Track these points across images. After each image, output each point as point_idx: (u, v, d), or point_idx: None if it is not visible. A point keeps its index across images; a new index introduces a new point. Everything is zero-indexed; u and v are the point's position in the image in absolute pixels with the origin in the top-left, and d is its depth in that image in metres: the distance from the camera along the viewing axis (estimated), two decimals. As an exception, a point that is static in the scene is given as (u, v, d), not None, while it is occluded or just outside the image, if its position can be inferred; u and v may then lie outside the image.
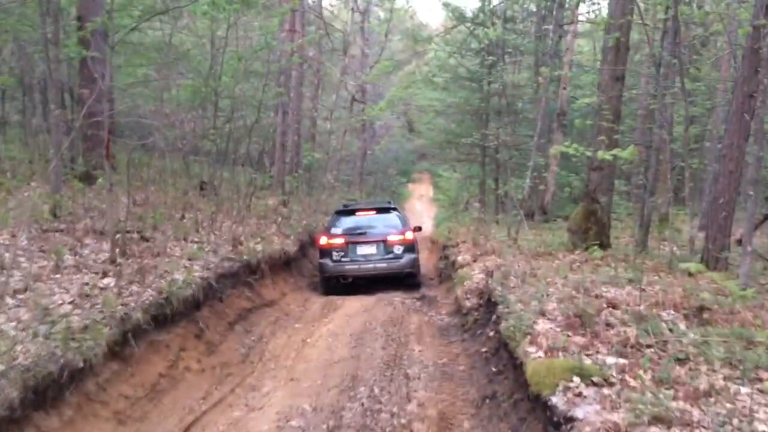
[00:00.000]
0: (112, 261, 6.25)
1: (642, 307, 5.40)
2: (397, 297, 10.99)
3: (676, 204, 18.54)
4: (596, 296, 5.99)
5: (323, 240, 11.29)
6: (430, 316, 8.74)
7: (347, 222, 11.49)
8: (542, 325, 4.96)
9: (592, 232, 10.09)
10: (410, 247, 11.40)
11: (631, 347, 4.27)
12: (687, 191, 9.64)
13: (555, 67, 16.20)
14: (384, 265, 11.21)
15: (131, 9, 13.44)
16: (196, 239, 8.86)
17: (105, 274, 6.03)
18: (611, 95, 9.75)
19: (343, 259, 11.09)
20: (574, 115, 24.65)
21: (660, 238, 13.65)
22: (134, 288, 5.92)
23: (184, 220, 9.80)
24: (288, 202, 16.70)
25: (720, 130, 16.81)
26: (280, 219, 13.38)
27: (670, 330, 4.73)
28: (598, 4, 26.79)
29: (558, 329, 4.83)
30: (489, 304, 6.91)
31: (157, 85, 15.08)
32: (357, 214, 11.74)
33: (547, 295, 6.05)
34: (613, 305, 5.49)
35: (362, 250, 11.22)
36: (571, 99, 22.45)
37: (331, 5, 37.04)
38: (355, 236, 11.22)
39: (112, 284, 5.83)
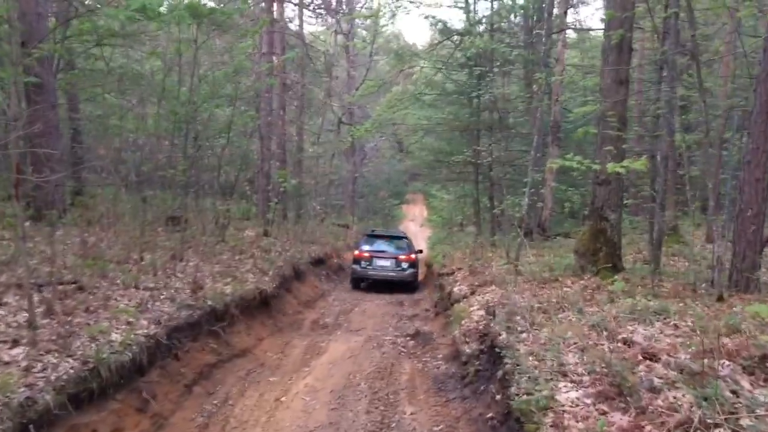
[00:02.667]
0: (30, 324, 5.09)
1: (687, 357, 4.27)
2: (388, 336, 9.86)
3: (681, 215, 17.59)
4: (624, 341, 4.86)
5: (356, 252, 16.06)
6: (424, 362, 7.56)
7: (372, 242, 16.21)
8: (566, 393, 3.83)
9: (602, 253, 8.99)
10: (413, 264, 15.74)
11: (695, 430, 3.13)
12: (712, 203, 8.50)
13: (548, 75, 15.16)
14: (394, 274, 15.53)
15: (85, 34, 12.41)
16: (150, 285, 7.68)
17: (16, 343, 4.86)
18: (615, 100, 8.71)
19: (368, 267, 15.61)
20: (568, 128, 23.78)
21: (670, 253, 12.58)
22: (51, 359, 4.74)
23: (143, 262, 8.63)
24: (269, 233, 15.57)
25: (727, 134, 15.90)
26: (258, 252, 12.23)
27: (734, 392, 3.60)
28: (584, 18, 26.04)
29: (588, 400, 3.69)
30: (492, 351, 5.75)
31: (126, 113, 14.07)
32: (379, 238, 16.55)
33: (564, 342, 4.91)
34: (650, 355, 4.35)
35: (381, 262, 15.59)
36: (564, 111, 21.60)
37: (312, 33, 36.20)
38: (377, 252, 15.67)
39: (21, 356, 4.66)
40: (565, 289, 8.46)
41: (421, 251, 17.28)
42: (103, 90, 12.55)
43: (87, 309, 6.08)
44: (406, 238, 16.98)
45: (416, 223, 40.13)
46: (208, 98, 12.68)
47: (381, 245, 16.00)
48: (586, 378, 4.03)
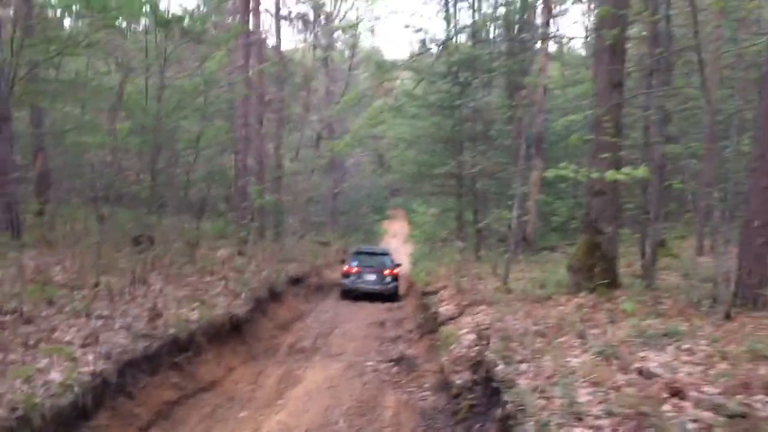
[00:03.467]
0: (-50, 364, 4.35)
1: (718, 392, 3.64)
2: (369, 362, 9.15)
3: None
4: (639, 371, 4.22)
5: (345, 268, 17.55)
6: (409, 392, 6.85)
7: (359, 258, 17.76)
8: (586, 444, 3.17)
9: (598, 269, 8.39)
10: (395, 278, 17.57)
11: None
12: (719, 215, 7.98)
13: (534, 82, 14.70)
14: (378, 286, 17.17)
15: (47, 42, 11.65)
16: (105, 313, 6.92)
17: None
18: (610, 105, 8.16)
19: (356, 281, 17.23)
20: (552, 139, 23.38)
21: (660, 267, 12.05)
22: (-32, 408, 4.00)
23: (99, 287, 7.86)
24: (244, 252, 14.81)
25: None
26: (231, 273, 11.48)
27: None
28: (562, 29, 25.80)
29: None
30: (488, 384, 5.09)
31: (91, 127, 13.31)
32: (365, 254, 18.27)
33: (572, 374, 4.26)
34: (675, 390, 3.71)
35: (367, 276, 17.23)
36: (547, 122, 21.20)
37: (289, 50, 35.59)
38: (364, 267, 17.30)
39: (-69, 406, 3.91)
40: (559, 308, 7.85)
41: (399, 264, 19.07)
42: (64, 103, 11.76)
43: (25, 343, 5.32)
44: (388, 254, 19.25)
45: (398, 239, 39.45)
46: (177, 110, 12.01)
47: (367, 261, 17.76)
48: (605, 422, 3.38)
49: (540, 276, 11.35)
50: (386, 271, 17.28)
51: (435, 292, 10.88)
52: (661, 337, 5.34)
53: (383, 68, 23.06)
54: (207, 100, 12.44)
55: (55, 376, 4.83)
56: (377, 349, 10.33)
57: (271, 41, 29.96)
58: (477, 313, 7.61)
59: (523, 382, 4.26)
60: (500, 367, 4.88)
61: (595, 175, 7.10)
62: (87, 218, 13.09)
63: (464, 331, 6.85)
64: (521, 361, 4.82)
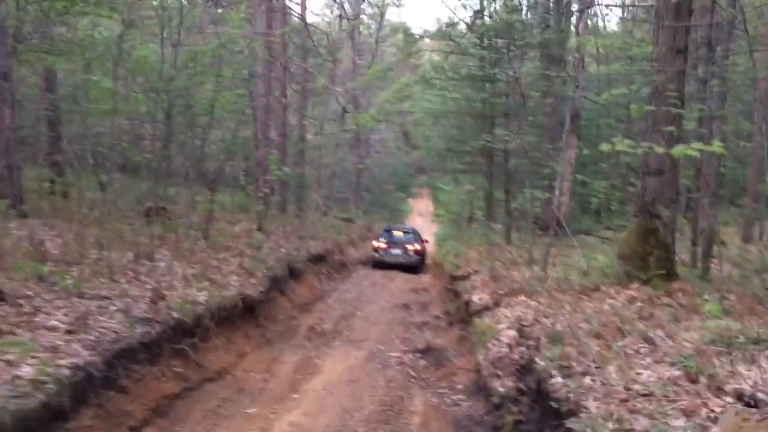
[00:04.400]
0: None
1: None
2: (394, 351, 8.39)
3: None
4: (740, 396, 3.35)
5: (375, 243, 19.91)
6: (440, 394, 6.03)
7: (388, 235, 20.10)
8: None
9: (653, 257, 7.46)
10: (420, 252, 19.94)
11: None
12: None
13: (580, 48, 13.59)
14: (404, 260, 19.30)
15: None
16: (102, 292, 6.20)
17: None
18: (671, 73, 7.16)
19: (384, 254, 19.42)
20: (586, 116, 22.18)
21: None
22: None
23: (98, 263, 7.16)
24: (264, 228, 14.09)
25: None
26: (247, 250, 10.75)
27: None
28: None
29: None
30: (539, 397, 4.25)
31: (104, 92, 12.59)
32: (393, 232, 20.50)
33: (651, 396, 3.40)
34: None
35: (394, 250, 19.46)
36: (584, 99, 20.05)
37: (315, 24, 34.43)
38: (391, 243, 19.58)
39: None
40: (610, 301, 6.96)
41: (427, 241, 21.79)
42: (71, 62, 10.99)
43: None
44: (414, 231, 21.45)
45: (424, 218, 38.56)
46: (191, 74, 11.19)
47: (394, 237, 20.07)
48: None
49: (579, 262, 10.44)
50: (410, 246, 19.75)
51: (466, 277, 10.02)
52: (746, 344, 4.44)
53: (411, 39, 22.00)
54: (224, 65, 11.57)
55: (27, 371, 4.10)
56: (402, 337, 9.57)
57: (296, 9, 29.01)
58: (516, 305, 6.74)
59: (592, 405, 3.41)
60: (557, 379, 4.04)
61: (660, 149, 6.15)
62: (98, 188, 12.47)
63: (503, 326, 5.98)
64: (584, 374, 3.97)
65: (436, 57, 20.44)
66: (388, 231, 20.65)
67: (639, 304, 6.78)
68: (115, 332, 5.36)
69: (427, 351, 8.27)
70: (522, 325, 5.64)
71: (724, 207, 19.00)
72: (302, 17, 22.95)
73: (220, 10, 16.92)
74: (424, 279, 18.07)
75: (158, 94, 11.13)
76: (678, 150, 5.85)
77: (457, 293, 9.74)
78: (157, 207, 10.71)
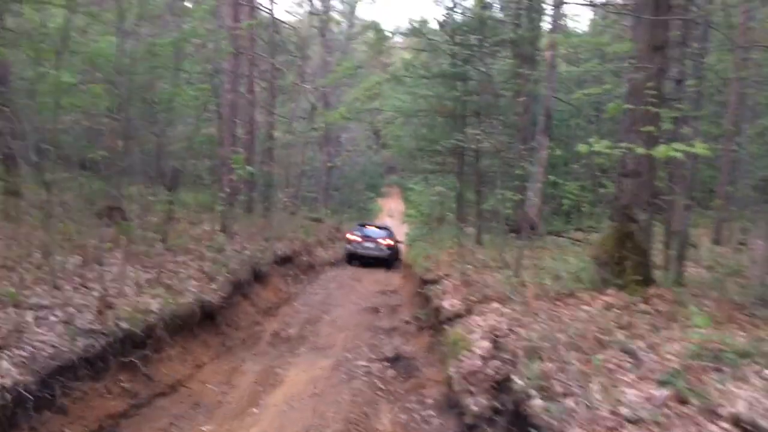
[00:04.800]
0: None
1: None
2: (361, 360, 8.01)
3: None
4: (737, 421, 3.06)
5: (349, 236, 21.16)
6: (408, 410, 5.67)
7: (362, 230, 21.27)
8: None
9: (629, 263, 7.21)
10: (392, 247, 20.87)
11: None
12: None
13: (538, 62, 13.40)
14: (376, 252, 20.36)
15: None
16: (42, 302, 5.69)
17: None
18: (650, 71, 6.91)
19: (357, 247, 20.51)
20: (558, 115, 22.07)
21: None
22: None
23: (42, 269, 6.62)
24: (228, 228, 13.57)
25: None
26: (209, 253, 10.25)
27: None
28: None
29: None
30: (516, 419, 3.91)
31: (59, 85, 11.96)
32: (367, 227, 21.78)
33: (642, 422, 3.09)
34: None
35: (367, 244, 20.52)
36: (555, 99, 19.96)
37: (288, 17, 33.69)
38: (365, 237, 20.64)
39: None
40: (586, 308, 6.69)
41: (401, 242, 22.55)
42: (18, 54, 10.32)
43: None
44: (387, 228, 22.59)
45: (394, 219, 38.28)
46: (152, 68, 10.65)
47: (368, 232, 21.26)
48: None
49: (552, 266, 10.21)
50: (382, 241, 20.77)
51: (436, 281, 9.68)
52: (734, 359, 4.17)
53: (381, 37, 21.65)
54: (186, 59, 11.05)
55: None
56: (370, 343, 9.21)
57: (265, 3, 28.39)
58: (489, 313, 6.42)
59: (577, 433, 3.08)
60: (537, 401, 3.71)
61: (641, 150, 5.88)
62: (55, 187, 11.82)
63: (476, 335, 5.64)
64: (565, 394, 3.65)
65: (407, 55, 20.07)
66: (363, 225, 22.29)
67: (616, 311, 6.52)
68: (54, 346, 4.89)
69: (395, 360, 7.92)
70: (496, 336, 5.32)
71: (695, 209, 19.05)
72: (270, 12, 22.39)
73: (183, 2, 16.31)
74: (394, 280, 17.74)
75: (114, 87, 10.60)
76: (660, 151, 5.60)
77: (428, 298, 9.39)
78: (112, 207, 10.16)
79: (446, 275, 9.65)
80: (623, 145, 5.88)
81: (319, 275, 18.45)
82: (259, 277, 12.56)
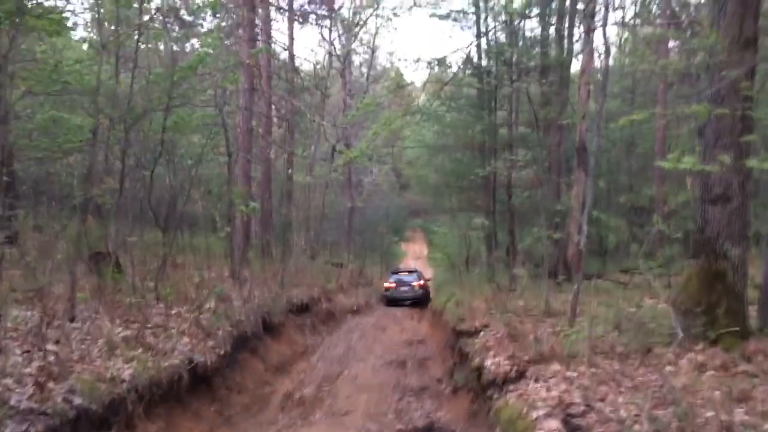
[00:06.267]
0: None
1: None
2: (387, 429, 6.57)
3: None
4: None
5: (386, 285, 23.81)
6: None
7: (395, 276, 24.00)
8: None
9: (722, 310, 5.73)
10: (424, 288, 22.87)
11: None
12: None
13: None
14: (411, 294, 22.46)
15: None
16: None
17: None
18: (739, 71, 5.57)
19: (394, 293, 22.97)
20: (593, 149, 20.67)
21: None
22: None
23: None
24: (238, 274, 12.30)
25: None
26: (210, 303, 8.94)
27: None
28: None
29: None
30: None
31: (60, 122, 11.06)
32: (400, 273, 24.44)
33: None
34: None
35: (402, 288, 22.92)
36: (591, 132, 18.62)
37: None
38: (399, 282, 23.13)
39: None
40: (669, 368, 5.22)
41: (429, 279, 25.03)
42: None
43: None
44: (416, 271, 25.03)
45: (417, 262, 36.91)
46: (157, 103, 9.60)
47: (401, 278, 23.61)
48: None
49: (606, 313, 8.68)
50: (415, 283, 23.01)
51: (474, 333, 8.21)
52: None
53: (402, 84, 20.69)
54: (197, 89, 10.00)
55: None
56: (397, 408, 7.75)
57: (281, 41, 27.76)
58: (550, 377, 4.96)
59: None
60: None
61: (716, 169, 4.52)
62: (51, 231, 10.78)
63: (541, 411, 4.14)
64: None
65: (431, 89, 19.01)
66: (396, 273, 25.04)
67: (714, 374, 5.04)
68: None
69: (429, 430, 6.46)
70: (570, 415, 3.88)
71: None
72: (288, 48, 21.63)
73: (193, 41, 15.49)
74: (421, 329, 16.25)
75: (111, 120, 9.59)
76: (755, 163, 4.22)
77: (464, 354, 7.91)
78: (99, 252, 8.99)
79: (485, 326, 8.19)
80: (696, 161, 4.51)
81: (339, 324, 17.04)
82: (270, 328, 11.23)
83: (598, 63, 16.44)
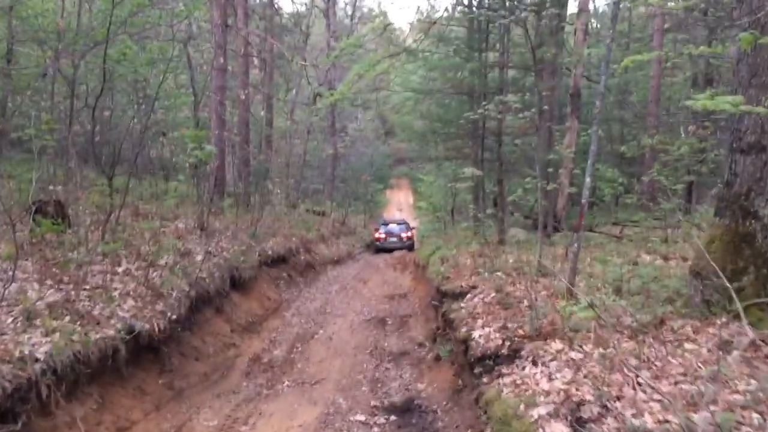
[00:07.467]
0: None
1: None
2: (359, 407, 5.79)
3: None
4: None
5: (376, 234, 26.29)
6: None
7: (385, 228, 26.33)
8: None
9: (748, 278, 4.89)
10: (410, 238, 25.76)
11: None
12: None
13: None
14: (399, 245, 24.92)
15: None
16: None
17: None
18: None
19: (384, 243, 25.39)
20: (586, 99, 19.73)
21: None
22: None
23: None
24: (206, 226, 11.35)
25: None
26: (170, 257, 8.01)
27: None
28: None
29: None
30: None
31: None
32: (389, 224, 26.84)
33: None
34: None
35: (392, 239, 25.48)
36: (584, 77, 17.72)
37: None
38: (389, 234, 25.73)
39: None
40: (688, 345, 4.42)
41: (414, 228, 27.45)
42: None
43: None
44: (405, 222, 27.29)
45: (403, 212, 36.16)
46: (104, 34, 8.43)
47: (390, 229, 26.01)
48: None
49: (601, 271, 7.92)
50: (403, 234, 25.62)
51: (459, 295, 7.37)
52: None
53: (387, 22, 19.29)
54: (144, 20, 8.78)
55: None
56: (372, 378, 6.98)
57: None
58: (550, 360, 4.13)
59: None
60: None
61: (762, 110, 3.63)
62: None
63: (542, 409, 3.30)
64: None
65: (418, 27, 17.78)
66: (386, 224, 26.98)
67: (742, 354, 4.24)
68: None
69: (406, 411, 5.67)
70: (581, 420, 3.05)
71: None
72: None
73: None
74: (404, 281, 15.49)
75: (57, 52, 8.45)
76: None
77: (447, 317, 7.08)
78: (47, 201, 7.96)
79: (472, 287, 7.34)
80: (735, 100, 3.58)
81: (319, 276, 16.26)
82: (240, 284, 10.36)
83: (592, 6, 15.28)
